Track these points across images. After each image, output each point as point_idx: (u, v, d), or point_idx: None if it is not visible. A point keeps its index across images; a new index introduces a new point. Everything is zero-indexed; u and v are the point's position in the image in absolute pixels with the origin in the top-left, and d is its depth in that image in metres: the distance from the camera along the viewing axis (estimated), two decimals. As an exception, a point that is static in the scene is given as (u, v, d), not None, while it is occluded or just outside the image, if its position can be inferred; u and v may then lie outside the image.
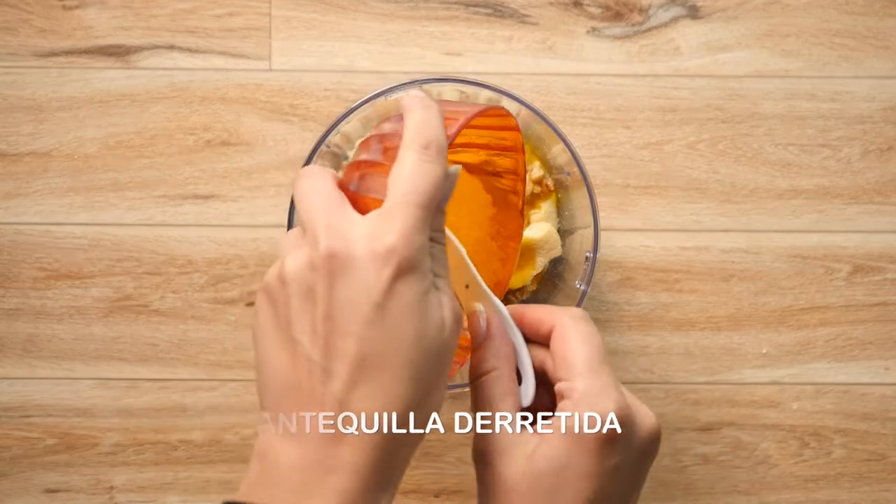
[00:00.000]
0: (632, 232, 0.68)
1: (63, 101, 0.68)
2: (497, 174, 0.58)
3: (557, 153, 0.60)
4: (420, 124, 0.42)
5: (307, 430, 0.39)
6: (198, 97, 0.68)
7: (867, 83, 0.69)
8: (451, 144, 0.43)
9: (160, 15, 0.68)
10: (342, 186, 0.44)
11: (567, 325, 0.45)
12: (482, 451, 0.45)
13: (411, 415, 0.40)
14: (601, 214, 0.65)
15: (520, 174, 0.57)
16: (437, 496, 0.68)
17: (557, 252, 0.61)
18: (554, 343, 0.45)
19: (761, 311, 0.68)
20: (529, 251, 0.61)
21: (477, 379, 0.46)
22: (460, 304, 0.46)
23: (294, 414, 0.39)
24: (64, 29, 0.68)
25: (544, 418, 0.45)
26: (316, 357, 0.39)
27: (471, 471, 0.68)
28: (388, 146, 0.44)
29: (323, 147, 0.58)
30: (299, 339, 0.39)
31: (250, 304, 0.67)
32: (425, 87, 0.60)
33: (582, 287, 0.59)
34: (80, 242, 0.67)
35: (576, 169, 0.58)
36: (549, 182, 0.63)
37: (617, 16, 0.68)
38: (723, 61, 0.68)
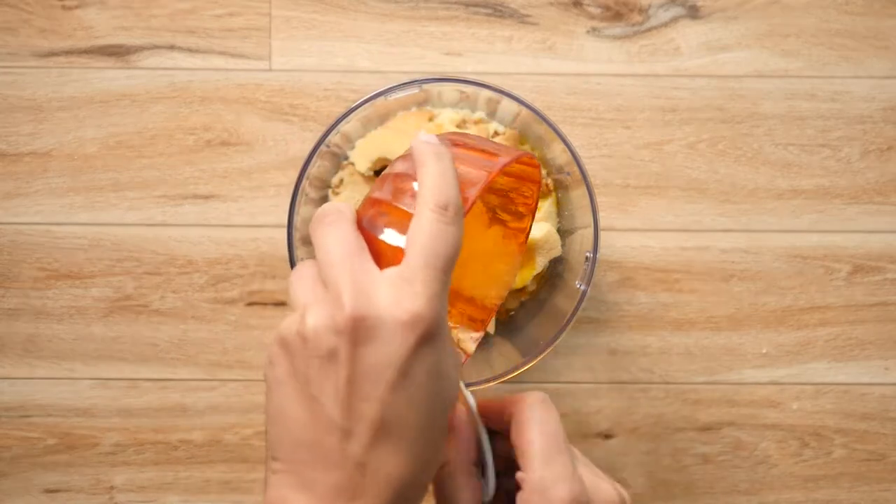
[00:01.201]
0: (632, 232, 0.68)
1: (63, 101, 0.68)
2: (510, 199, 0.57)
3: (557, 153, 0.60)
4: (436, 181, 0.42)
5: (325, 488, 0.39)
6: (198, 97, 0.68)
7: (867, 83, 0.69)
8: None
9: (160, 15, 0.68)
10: (359, 223, 0.43)
11: (523, 415, 0.45)
12: None
13: (423, 470, 0.41)
14: (601, 214, 0.65)
15: (532, 204, 0.56)
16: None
17: (557, 252, 0.61)
18: (512, 434, 0.45)
19: (761, 311, 0.68)
20: (529, 251, 0.61)
21: (439, 472, 0.46)
22: None
23: (312, 470, 0.39)
24: (64, 29, 0.68)
25: None
26: (336, 418, 0.39)
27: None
28: (398, 187, 0.44)
29: (323, 147, 0.58)
30: (319, 399, 0.39)
31: (250, 304, 0.67)
32: (425, 87, 0.60)
33: (582, 287, 0.59)
34: (80, 242, 0.67)
35: (576, 169, 0.58)
36: (549, 182, 0.63)
37: (617, 16, 0.69)
38: (723, 61, 0.68)
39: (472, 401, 0.48)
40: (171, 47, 0.68)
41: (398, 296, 0.39)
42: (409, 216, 0.42)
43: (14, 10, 0.68)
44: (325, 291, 0.40)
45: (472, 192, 0.44)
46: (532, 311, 0.63)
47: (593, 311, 0.68)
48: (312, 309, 0.40)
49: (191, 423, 0.67)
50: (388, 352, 0.39)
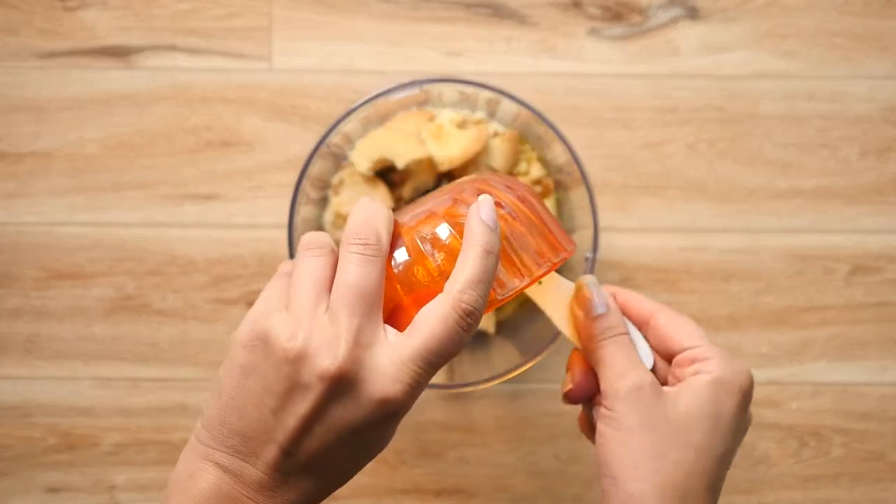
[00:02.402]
0: (632, 232, 0.68)
1: (64, 101, 0.68)
2: None
3: (557, 153, 0.60)
4: (470, 282, 0.42)
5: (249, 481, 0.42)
6: (198, 97, 0.68)
7: (866, 83, 0.69)
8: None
9: (161, 15, 0.68)
10: (389, 254, 0.43)
11: (672, 311, 0.51)
12: (638, 387, 0.47)
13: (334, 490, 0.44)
14: (601, 214, 0.65)
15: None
16: (437, 496, 0.68)
17: (557, 252, 0.61)
18: (665, 325, 0.51)
19: (760, 311, 0.68)
20: (529, 251, 0.61)
21: (611, 338, 0.50)
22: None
23: (241, 461, 0.42)
24: (65, 30, 0.68)
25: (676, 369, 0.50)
26: (282, 439, 0.41)
27: (470, 470, 0.68)
28: (438, 244, 0.44)
29: (323, 147, 0.58)
30: (276, 413, 0.41)
31: (251, 303, 0.68)
32: (425, 87, 0.60)
33: (582, 287, 0.59)
34: (81, 242, 0.68)
35: (576, 169, 0.59)
36: (549, 182, 0.63)
37: (616, 16, 0.69)
38: (722, 62, 0.69)
39: (592, 281, 0.52)
40: (172, 48, 0.68)
41: (387, 373, 0.41)
42: (433, 287, 0.42)
43: (15, 11, 0.68)
44: (328, 321, 0.41)
45: (534, 275, 0.45)
46: (532, 311, 0.63)
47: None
48: (309, 338, 0.41)
49: (192, 423, 0.67)
50: (353, 415, 0.41)
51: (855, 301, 0.69)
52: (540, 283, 0.51)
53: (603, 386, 0.49)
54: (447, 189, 0.47)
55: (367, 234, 0.43)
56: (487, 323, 0.62)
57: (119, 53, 0.68)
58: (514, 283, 0.45)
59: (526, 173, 0.62)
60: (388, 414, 0.41)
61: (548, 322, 0.63)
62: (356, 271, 0.42)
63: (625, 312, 0.52)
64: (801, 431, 0.68)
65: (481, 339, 0.64)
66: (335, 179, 0.63)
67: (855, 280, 0.69)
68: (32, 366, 0.68)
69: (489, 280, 0.43)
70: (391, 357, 0.41)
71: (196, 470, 0.42)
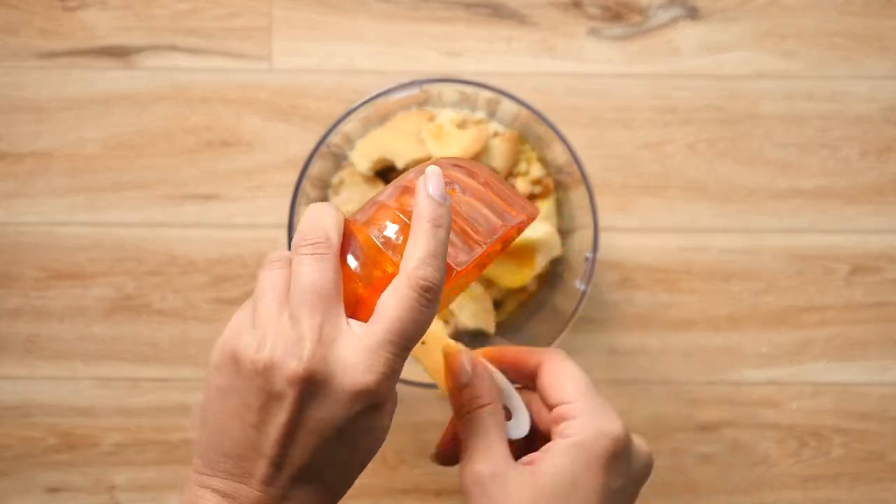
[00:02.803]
0: (631, 232, 0.68)
1: (64, 101, 0.68)
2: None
3: (557, 153, 0.60)
4: (425, 258, 0.41)
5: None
6: (198, 97, 0.68)
7: (866, 83, 0.69)
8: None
9: (161, 15, 0.68)
10: (342, 250, 0.43)
11: (557, 360, 0.47)
12: (477, 481, 0.45)
13: (338, 498, 0.44)
14: (601, 214, 0.65)
15: (507, 246, 0.54)
16: (437, 496, 0.68)
17: (557, 252, 0.62)
18: (547, 376, 0.47)
19: (760, 311, 0.68)
20: (529, 251, 0.61)
21: (471, 413, 0.47)
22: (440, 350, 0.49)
23: (236, 483, 0.41)
24: (65, 30, 0.68)
25: (540, 441, 0.47)
26: (268, 452, 0.41)
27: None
28: (387, 240, 0.43)
29: (323, 147, 0.58)
30: (258, 428, 0.41)
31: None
32: (425, 87, 0.60)
33: (582, 287, 0.59)
34: (81, 242, 0.68)
35: (575, 169, 0.59)
36: (549, 182, 0.63)
37: (616, 16, 0.69)
38: (722, 62, 0.69)
39: (467, 352, 0.49)
40: (172, 48, 0.68)
41: (356, 364, 0.40)
42: (392, 275, 0.42)
43: (15, 11, 0.68)
44: (290, 325, 0.41)
45: (487, 242, 0.44)
46: (532, 311, 0.63)
47: (593, 311, 0.68)
48: (271, 344, 0.41)
49: (192, 423, 0.67)
50: (331, 413, 0.40)
51: (855, 301, 0.69)
52: (423, 342, 0.49)
53: (460, 466, 0.47)
54: (396, 180, 0.47)
55: (314, 235, 0.42)
56: (488, 323, 0.62)
57: (119, 53, 0.68)
58: (471, 253, 0.44)
59: (526, 173, 0.62)
60: (368, 405, 0.41)
61: (548, 322, 0.63)
62: (309, 271, 0.41)
63: (511, 372, 0.49)
64: (801, 431, 0.68)
65: (481, 339, 0.64)
66: (335, 179, 0.63)
67: (855, 280, 0.69)
68: (32, 366, 0.68)
69: (442, 253, 0.42)
70: (358, 348, 0.40)
71: (196, 499, 0.41)
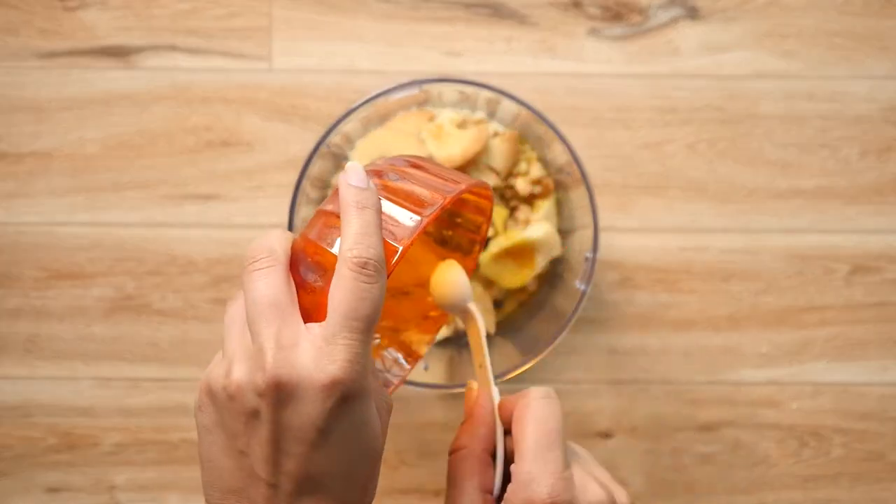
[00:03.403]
0: (631, 232, 0.68)
1: (64, 101, 0.68)
2: (460, 226, 0.55)
3: (557, 153, 0.60)
4: (356, 236, 0.42)
5: None
6: (198, 97, 0.68)
7: (866, 83, 0.69)
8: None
9: (161, 15, 0.68)
10: (293, 263, 0.43)
11: (523, 409, 0.46)
12: None
13: None
14: (601, 214, 0.65)
15: (482, 234, 0.54)
16: (437, 496, 0.68)
17: (557, 252, 0.62)
18: (512, 427, 0.47)
19: (760, 311, 0.68)
20: (529, 251, 0.61)
21: (450, 454, 0.48)
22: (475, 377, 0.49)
23: None
24: (65, 30, 0.68)
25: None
26: (262, 473, 0.41)
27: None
28: (328, 226, 0.43)
29: (323, 147, 0.58)
30: (246, 452, 0.41)
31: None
32: (425, 87, 0.60)
33: (582, 287, 0.59)
34: (81, 242, 0.68)
35: (575, 169, 0.59)
36: (549, 182, 0.63)
37: (616, 16, 0.69)
38: (722, 62, 0.69)
39: (496, 395, 0.48)
40: (172, 48, 0.68)
41: (318, 358, 0.40)
42: (335, 261, 0.42)
43: (15, 11, 0.68)
44: (252, 343, 0.41)
45: (427, 213, 0.43)
46: (532, 311, 0.64)
47: (593, 311, 0.68)
48: (237, 365, 0.41)
49: (191, 423, 0.67)
50: (307, 413, 0.40)
51: (855, 301, 0.69)
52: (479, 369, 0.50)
53: None
54: (334, 188, 0.47)
55: (259, 253, 0.43)
56: (488, 323, 0.62)
57: (119, 53, 0.68)
58: (414, 226, 0.43)
59: (526, 173, 0.62)
60: (341, 398, 0.40)
61: (548, 322, 0.63)
62: (257, 286, 0.41)
63: (501, 417, 0.49)
64: (801, 431, 0.68)
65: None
66: (335, 179, 0.63)
67: (855, 280, 0.69)
68: (32, 366, 0.68)
69: (372, 231, 0.42)
70: (317, 343, 0.40)
71: None
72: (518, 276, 0.61)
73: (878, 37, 0.69)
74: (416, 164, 0.47)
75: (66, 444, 0.67)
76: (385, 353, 0.53)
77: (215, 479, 0.42)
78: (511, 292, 0.63)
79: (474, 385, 0.50)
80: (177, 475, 0.68)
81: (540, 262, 0.61)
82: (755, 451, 0.68)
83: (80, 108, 0.68)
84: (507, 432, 0.48)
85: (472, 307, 0.50)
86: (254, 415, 0.40)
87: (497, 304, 0.63)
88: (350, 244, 0.41)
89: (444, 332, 0.63)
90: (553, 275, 0.63)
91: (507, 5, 0.68)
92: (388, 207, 0.44)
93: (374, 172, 0.46)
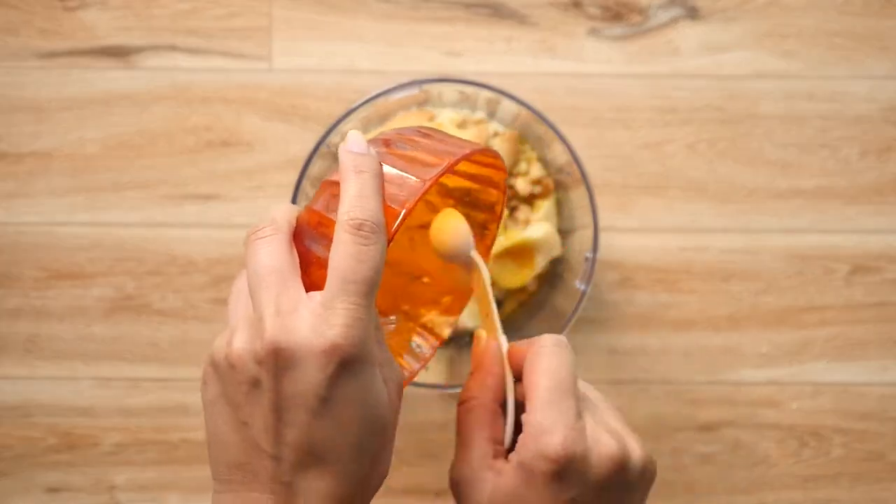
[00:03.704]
0: (631, 232, 0.68)
1: (64, 101, 0.68)
2: (473, 205, 0.54)
3: (557, 153, 0.60)
4: (353, 199, 0.41)
5: None
6: (198, 97, 0.68)
7: (866, 83, 0.69)
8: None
9: (161, 15, 0.68)
10: (296, 234, 0.43)
11: (534, 357, 0.44)
12: (455, 481, 0.45)
13: (359, 488, 0.41)
14: (601, 214, 0.65)
15: (496, 214, 0.53)
16: (437, 496, 0.68)
17: (557, 252, 0.62)
18: (523, 376, 0.45)
19: (760, 311, 0.68)
20: (529, 251, 0.61)
21: (459, 406, 0.46)
22: (483, 327, 0.48)
23: (248, 491, 0.40)
24: (65, 30, 0.68)
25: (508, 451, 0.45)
26: (264, 443, 0.40)
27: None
28: (333, 196, 0.43)
29: (323, 147, 0.59)
30: (248, 423, 0.40)
31: (251, 303, 0.68)
32: (425, 87, 0.60)
33: (582, 287, 0.59)
34: (81, 242, 0.68)
35: (576, 169, 0.59)
36: (549, 182, 0.63)
37: (616, 16, 0.69)
38: (722, 62, 0.69)
39: (504, 344, 0.47)
40: (172, 48, 0.68)
41: (317, 324, 0.39)
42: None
43: (15, 11, 0.68)
44: (252, 311, 0.41)
45: (430, 176, 0.42)
46: (532, 311, 0.63)
47: (593, 311, 0.68)
48: (237, 334, 0.41)
49: (192, 423, 0.67)
50: (307, 380, 0.39)
51: (855, 301, 0.69)
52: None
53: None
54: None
55: (261, 223, 0.43)
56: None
57: (119, 53, 0.68)
58: (417, 188, 0.43)
59: (526, 173, 0.62)
60: (341, 364, 0.39)
61: (548, 322, 0.63)
62: (257, 254, 0.41)
63: (511, 365, 0.47)
64: (801, 431, 0.69)
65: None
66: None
67: (855, 280, 0.69)
68: (32, 366, 0.68)
69: (370, 193, 0.42)
70: (316, 309, 0.40)
71: None
72: (518, 276, 0.61)
73: (878, 37, 0.69)
74: (426, 133, 0.47)
75: (66, 444, 0.67)
76: (411, 342, 0.53)
77: (221, 454, 0.41)
78: (511, 292, 0.63)
79: (482, 334, 0.48)
80: (177, 475, 0.68)
81: (540, 262, 0.61)
82: (755, 451, 0.68)
83: (80, 108, 0.68)
84: (518, 380, 0.46)
85: (475, 255, 0.49)
86: (255, 384, 0.40)
87: (497, 304, 0.63)
88: (347, 207, 0.41)
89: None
90: (553, 275, 0.63)
91: (507, 5, 0.68)
92: (393, 173, 0.43)
93: (383, 141, 0.45)
